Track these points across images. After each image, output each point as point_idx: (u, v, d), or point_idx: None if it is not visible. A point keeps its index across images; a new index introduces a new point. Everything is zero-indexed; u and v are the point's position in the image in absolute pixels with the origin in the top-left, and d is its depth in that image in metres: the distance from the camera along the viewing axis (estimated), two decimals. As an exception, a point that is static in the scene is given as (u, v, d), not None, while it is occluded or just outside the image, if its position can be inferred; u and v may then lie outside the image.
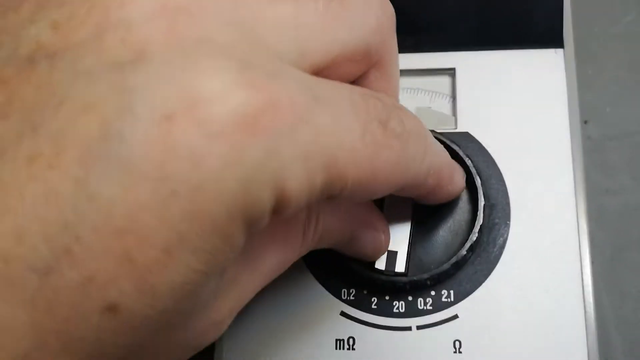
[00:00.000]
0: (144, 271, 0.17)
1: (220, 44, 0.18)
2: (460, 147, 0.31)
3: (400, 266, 0.29)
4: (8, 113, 0.17)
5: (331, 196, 0.20)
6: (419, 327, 0.30)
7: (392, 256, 0.29)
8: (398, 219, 0.30)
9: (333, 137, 0.19)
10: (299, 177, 0.18)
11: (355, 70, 0.24)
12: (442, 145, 0.27)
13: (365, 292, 0.31)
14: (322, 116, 0.18)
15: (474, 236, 0.30)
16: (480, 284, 0.30)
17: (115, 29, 0.18)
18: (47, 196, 0.16)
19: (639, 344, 0.38)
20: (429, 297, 0.30)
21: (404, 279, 0.29)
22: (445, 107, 0.34)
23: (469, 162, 0.31)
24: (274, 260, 0.24)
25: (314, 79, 0.20)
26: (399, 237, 0.30)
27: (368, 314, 0.30)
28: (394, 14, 0.25)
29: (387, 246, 0.30)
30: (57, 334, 0.17)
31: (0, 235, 0.16)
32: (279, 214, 0.19)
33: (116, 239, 0.16)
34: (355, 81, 0.25)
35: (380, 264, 0.30)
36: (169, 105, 0.16)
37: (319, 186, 0.19)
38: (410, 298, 0.30)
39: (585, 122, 0.42)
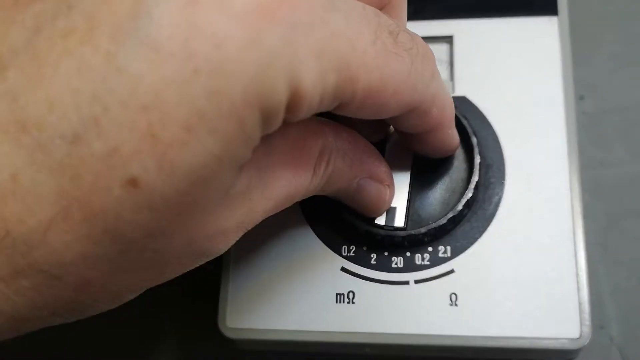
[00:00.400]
0: (165, 147, 0.17)
1: None
2: (457, 109, 0.32)
3: (399, 221, 0.30)
4: None
5: (342, 104, 0.21)
6: (416, 282, 0.31)
7: (391, 211, 0.30)
8: (397, 174, 0.31)
9: (346, 39, 0.20)
10: (312, 72, 0.19)
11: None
12: (449, 92, 0.28)
13: (364, 248, 0.32)
14: (337, 19, 0.19)
15: (469, 192, 0.31)
16: (475, 240, 0.31)
17: None
18: (79, 68, 0.17)
19: (633, 311, 0.39)
20: (426, 252, 0.31)
21: (401, 233, 0.30)
22: (443, 73, 0.35)
23: (465, 123, 0.32)
24: (284, 187, 0.24)
25: None
26: (398, 193, 0.31)
27: (367, 269, 0.31)
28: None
29: (390, 203, 0.30)
30: (80, 204, 0.17)
31: (34, 103, 0.17)
32: (293, 112, 0.19)
33: (141, 113, 0.17)
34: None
35: (380, 219, 0.30)
36: None
37: (331, 87, 0.20)
38: (408, 254, 0.31)
39: (582, 97, 0.43)
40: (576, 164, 0.32)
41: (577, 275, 0.30)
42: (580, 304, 0.29)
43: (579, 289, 0.30)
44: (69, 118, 0.17)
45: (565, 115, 0.33)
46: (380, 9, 0.25)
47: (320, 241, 0.32)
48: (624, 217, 0.40)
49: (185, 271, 0.23)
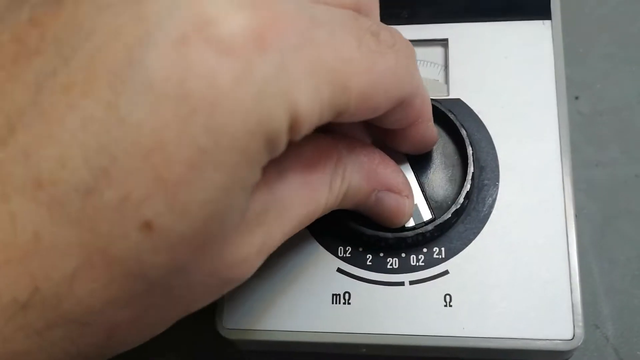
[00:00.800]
0: (173, 188, 0.18)
1: None
2: (452, 112, 0.32)
3: (426, 214, 0.31)
4: (42, 50, 0.18)
5: (339, 113, 0.21)
6: (411, 282, 0.31)
7: (414, 210, 0.31)
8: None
9: (333, 51, 0.20)
10: (307, 92, 0.19)
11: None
12: None
13: (360, 249, 0.32)
14: (322, 34, 0.20)
15: (467, 184, 0.31)
16: (470, 242, 0.31)
17: None
18: (84, 122, 0.17)
19: (627, 310, 0.39)
20: (421, 254, 0.31)
21: (388, 235, 0.31)
22: (438, 75, 0.36)
23: (451, 116, 0.33)
24: (301, 208, 0.24)
25: (308, 1, 0.21)
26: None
27: (363, 270, 0.32)
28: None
29: (411, 214, 0.30)
30: (101, 253, 0.18)
31: (46, 160, 0.17)
32: (295, 132, 0.20)
33: (146, 158, 0.17)
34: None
35: (409, 221, 0.31)
36: (182, 28, 0.17)
37: (327, 100, 0.20)
38: (403, 255, 0.31)
39: (577, 97, 0.43)
40: (569, 166, 0.32)
41: (570, 276, 0.30)
42: (573, 305, 0.30)
43: (572, 290, 0.30)
44: (80, 171, 0.17)
45: (558, 117, 0.33)
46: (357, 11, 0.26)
47: (316, 242, 0.32)
48: (618, 217, 0.41)
49: (215, 299, 0.24)
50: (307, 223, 0.25)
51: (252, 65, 0.18)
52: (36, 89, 0.18)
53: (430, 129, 0.29)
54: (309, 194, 0.25)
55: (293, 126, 0.19)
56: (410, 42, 0.26)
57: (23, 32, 0.19)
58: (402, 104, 0.25)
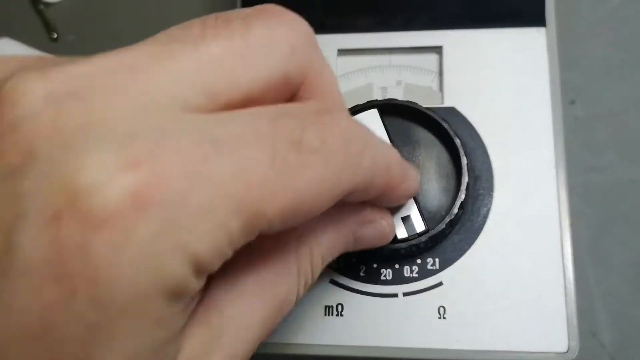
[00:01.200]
0: None
1: (105, 122, 0.18)
2: (447, 121, 0.32)
3: (419, 226, 0.30)
4: None
5: (262, 232, 0.19)
6: (405, 294, 0.31)
7: (407, 220, 0.30)
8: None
9: (237, 179, 0.18)
10: (208, 234, 0.18)
11: (280, 97, 0.23)
12: (389, 145, 0.27)
13: (353, 260, 0.32)
14: (221, 162, 0.18)
15: (462, 194, 0.31)
16: (464, 252, 0.31)
17: (7, 132, 0.17)
18: None
19: (624, 317, 0.39)
20: (414, 265, 0.31)
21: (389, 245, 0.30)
22: (432, 83, 0.35)
23: (446, 125, 0.32)
24: (266, 311, 0.23)
25: (214, 117, 0.19)
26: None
27: (356, 282, 0.31)
28: (307, 30, 0.23)
29: (393, 229, 0.29)
30: None
31: None
32: (204, 272, 0.18)
33: (37, 345, 0.17)
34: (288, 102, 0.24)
35: (401, 232, 0.30)
36: (54, 204, 0.16)
37: (238, 231, 0.18)
38: (397, 266, 0.31)
39: (572, 102, 0.43)
40: (564, 175, 0.32)
41: (565, 288, 0.30)
42: (568, 317, 0.30)
43: (567, 303, 0.30)
44: None
45: (553, 126, 0.33)
46: (293, 96, 0.23)
47: (309, 253, 0.32)
48: (615, 222, 0.40)
49: None
50: (285, 313, 0.24)
51: (130, 231, 0.16)
52: None
53: (405, 190, 0.27)
54: (272, 294, 0.23)
55: (200, 269, 0.18)
56: (358, 125, 0.23)
57: None
58: (355, 192, 0.22)
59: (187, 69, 0.19)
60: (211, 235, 0.18)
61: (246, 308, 0.22)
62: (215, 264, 0.19)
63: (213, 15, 0.21)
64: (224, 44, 0.20)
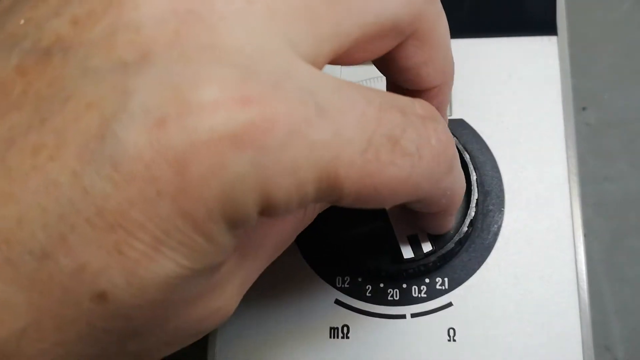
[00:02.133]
0: (133, 264, 0.17)
1: (226, 49, 0.18)
2: (455, 136, 0.31)
3: (426, 246, 0.29)
4: (22, 104, 0.18)
5: (332, 202, 0.20)
6: (413, 315, 0.30)
7: (414, 241, 0.29)
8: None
9: (329, 150, 0.18)
10: (286, 188, 0.18)
11: (385, 46, 0.23)
12: (463, 175, 0.26)
13: (359, 279, 0.31)
14: (321, 129, 0.18)
15: (472, 211, 0.30)
16: (474, 272, 0.30)
17: (126, 29, 0.18)
18: (47, 186, 0.17)
19: (638, 330, 0.38)
20: (423, 284, 0.30)
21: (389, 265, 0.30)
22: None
23: (466, 157, 0.31)
24: (276, 240, 0.24)
25: (327, 83, 0.19)
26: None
27: (362, 302, 0.30)
28: None
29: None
30: (51, 315, 0.18)
31: (4, 218, 0.17)
32: (269, 216, 0.19)
33: (107, 232, 0.17)
34: (392, 52, 0.23)
35: (407, 252, 0.29)
36: (162, 109, 0.17)
37: (311, 194, 0.19)
38: (404, 285, 0.30)
39: (584, 108, 0.42)
40: (577, 190, 0.31)
41: (580, 309, 0.29)
42: (583, 341, 0.28)
43: (581, 325, 0.29)
44: (37, 235, 0.17)
45: (565, 138, 0.32)
46: (408, 38, 0.23)
47: (313, 272, 0.31)
48: (628, 234, 0.39)
49: (185, 345, 0.23)
50: (284, 248, 0.25)
51: (224, 160, 0.17)
52: (7, 145, 0.18)
53: (449, 222, 0.28)
54: (282, 227, 0.24)
55: (265, 212, 0.19)
56: (450, 143, 0.23)
57: (8, 79, 0.18)
58: (421, 201, 0.23)
59: (299, 9, 0.19)
60: (289, 190, 0.18)
61: (264, 234, 0.24)
62: (280, 215, 0.19)
63: None
64: None
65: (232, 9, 0.19)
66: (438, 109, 0.24)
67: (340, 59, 0.22)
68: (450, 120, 0.33)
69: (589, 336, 0.29)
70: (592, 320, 0.29)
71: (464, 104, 0.33)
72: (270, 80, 0.18)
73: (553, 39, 0.34)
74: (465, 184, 0.26)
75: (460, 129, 0.32)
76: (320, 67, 0.20)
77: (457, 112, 0.33)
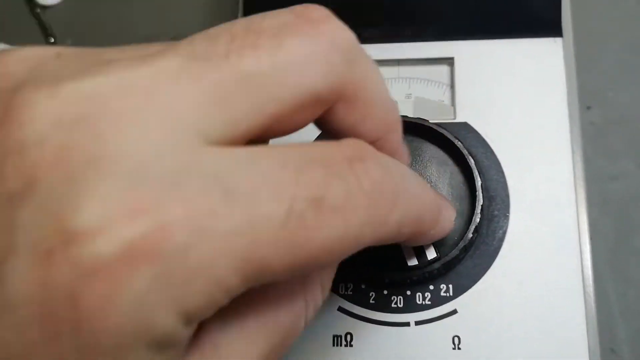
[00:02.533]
0: None
1: (113, 159, 0.17)
2: (459, 140, 0.31)
3: (430, 253, 0.29)
4: None
5: (265, 282, 0.18)
6: (417, 323, 0.29)
7: (418, 248, 0.29)
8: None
9: (243, 236, 0.17)
10: (202, 290, 0.17)
11: (312, 115, 0.21)
12: (424, 186, 0.24)
13: (363, 286, 0.30)
14: (230, 217, 0.17)
15: (477, 217, 0.30)
16: (479, 278, 0.30)
17: (11, 153, 0.17)
18: None
19: (643, 333, 0.38)
20: (427, 291, 0.30)
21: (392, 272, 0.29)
22: (443, 96, 0.34)
23: (471, 162, 0.30)
24: (268, 345, 0.21)
25: (235, 158, 0.18)
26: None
27: (366, 309, 0.30)
28: (349, 42, 0.21)
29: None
30: None
31: None
32: (199, 320, 0.18)
33: None
34: (325, 116, 0.22)
35: (412, 260, 0.29)
36: (47, 242, 0.16)
37: (237, 285, 0.17)
38: (408, 293, 0.30)
39: (588, 107, 0.41)
40: (583, 194, 0.31)
41: (587, 317, 0.29)
42: (589, 347, 0.28)
43: (588, 331, 0.28)
44: None
45: (571, 142, 0.31)
46: (336, 102, 0.21)
47: (316, 278, 0.31)
48: (634, 233, 0.39)
49: None
50: (288, 345, 0.23)
51: (121, 284, 0.16)
52: None
53: (434, 235, 0.26)
54: (274, 326, 0.21)
55: (191, 319, 0.17)
56: (393, 170, 0.21)
57: None
58: (373, 244, 0.21)
59: (207, 94, 0.18)
60: (207, 291, 0.17)
61: (245, 345, 0.21)
62: (209, 313, 0.18)
63: (243, 24, 0.19)
64: (250, 63, 0.19)
65: (128, 106, 0.17)
66: (392, 154, 0.23)
67: (266, 134, 0.20)
68: (454, 123, 0.32)
69: (596, 342, 0.28)
70: (598, 323, 0.29)
71: (468, 106, 0.33)
72: (165, 182, 0.17)
73: (558, 40, 0.33)
74: (430, 195, 0.24)
75: (465, 133, 0.32)
76: (244, 144, 0.19)
77: (461, 115, 0.33)
